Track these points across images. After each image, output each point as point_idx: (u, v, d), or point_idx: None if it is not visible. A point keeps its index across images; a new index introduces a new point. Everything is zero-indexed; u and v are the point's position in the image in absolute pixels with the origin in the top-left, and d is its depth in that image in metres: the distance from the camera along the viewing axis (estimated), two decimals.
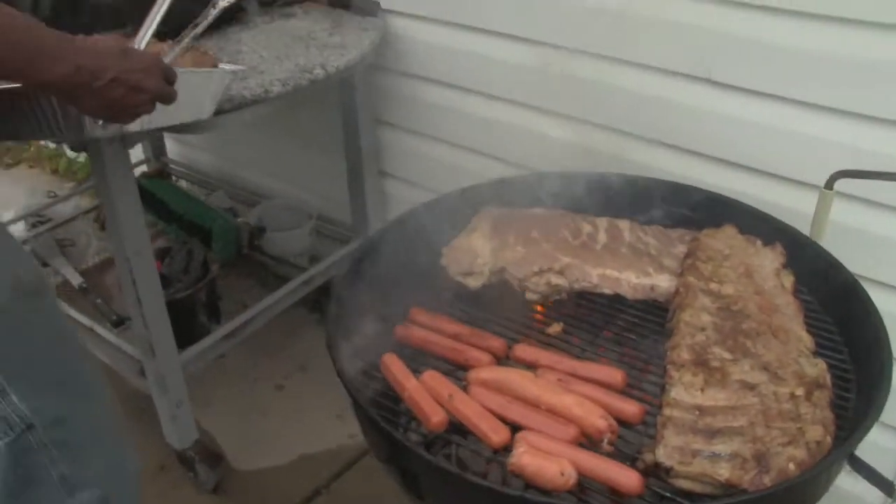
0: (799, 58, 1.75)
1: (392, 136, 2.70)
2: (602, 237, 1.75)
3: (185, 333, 2.43)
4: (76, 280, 2.95)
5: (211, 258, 2.66)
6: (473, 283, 1.69)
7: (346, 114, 2.56)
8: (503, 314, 1.69)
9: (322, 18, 2.43)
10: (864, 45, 1.68)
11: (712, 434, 1.30)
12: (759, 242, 1.74)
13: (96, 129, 1.52)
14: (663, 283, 1.66)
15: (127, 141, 1.99)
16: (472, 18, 2.27)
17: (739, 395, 1.36)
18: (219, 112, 1.87)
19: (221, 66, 1.88)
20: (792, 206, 1.85)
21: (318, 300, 2.96)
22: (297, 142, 3.04)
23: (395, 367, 1.51)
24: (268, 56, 2.13)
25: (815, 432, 1.28)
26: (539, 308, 1.71)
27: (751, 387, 1.37)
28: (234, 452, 2.58)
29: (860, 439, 1.27)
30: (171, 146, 3.60)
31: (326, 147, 2.85)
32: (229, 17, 2.39)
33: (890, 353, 1.41)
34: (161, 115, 1.58)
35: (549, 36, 2.12)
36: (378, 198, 2.79)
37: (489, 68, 2.30)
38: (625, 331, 1.66)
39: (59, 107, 1.48)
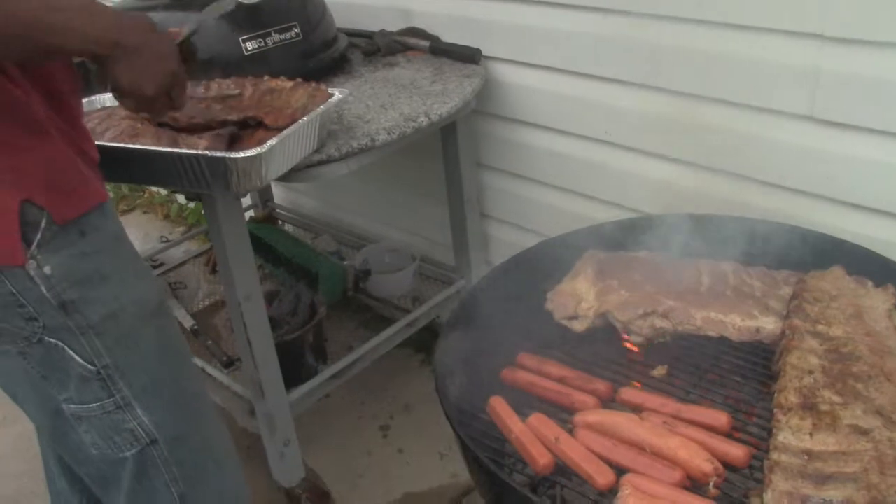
0: None
1: (493, 179, 2.74)
2: (706, 280, 1.75)
3: (293, 374, 2.49)
4: (188, 322, 3.05)
5: (318, 301, 2.72)
6: (578, 326, 1.71)
7: (448, 158, 2.61)
8: (608, 357, 1.70)
9: (424, 67, 2.50)
10: None
11: (823, 479, 1.28)
12: (869, 283, 1.71)
13: (244, 182, 1.69)
14: (769, 325, 1.65)
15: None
16: (573, 63, 2.30)
17: (851, 441, 1.33)
18: (328, 161, 1.95)
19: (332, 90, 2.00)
20: None
21: (422, 340, 3.00)
22: (399, 186, 3.11)
23: (502, 409, 1.53)
24: (373, 105, 2.20)
25: None
26: (644, 351, 1.72)
27: (863, 432, 1.35)
28: (340, 491, 2.63)
29: None
30: (278, 192, 3.72)
31: (429, 190, 2.91)
32: (335, 67, 2.48)
33: None
34: (285, 161, 1.79)
35: (649, 79, 2.13)
36: (480, 239, 2.82)
37: (590, 111, 2.32)
38: (729, 373, 1.65)
39: (206, 166, 1.67)
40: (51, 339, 1.46)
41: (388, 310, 2.97)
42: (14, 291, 1.40)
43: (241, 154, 1.65)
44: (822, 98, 1.84)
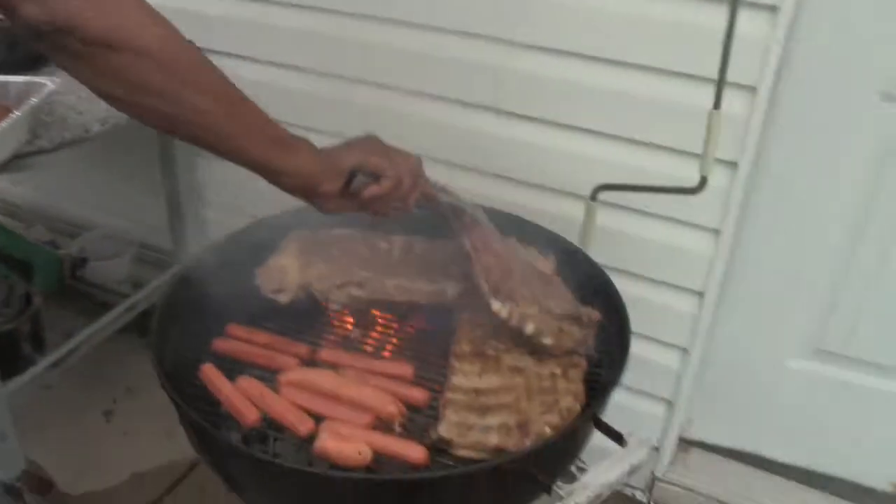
0: (567, 88, 2.09)
1: (209, 164, 2.82)
2: (397, 252, 1.96)
3: (9, 365, 2.48)
4: None
5: (33, 291, 2.71)
6: (284, 298, 1.85)
7: (164, 144, 2.67)
8: (311, 324, 1.88)
9: None
10: (616, 80, 2.03)
11: (486, 410, 1.54)
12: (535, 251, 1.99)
13: None
14: (451, 289, 1.88)
15: None
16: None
17: (508, 378, 1.61)
18: (38, 152, 1.99)
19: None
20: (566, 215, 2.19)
21: (146, 324, 3.04)
22: (115, 172, 3.12)
23: (212, 375, 1.67)
24: (85, 96, 2.24)
25: (567, 401, 1.54)
26: (343, 317, 1.92)
27: (518, 370, 1.63)
28: (66, 479, 2.65)
29: (601, 404, 1.56)
30: None
31: (145, 176, 2.96)
32: (45, 58, 2.47)
33: (629, 334, 1.68)
34: None
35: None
36: (198, 223, 2.92)
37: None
38: (419, 332, 1.88)
39: None
40: None
41: (108, 296, 3.00)
42: None
43: None
44: (502, 93, 2.17)
